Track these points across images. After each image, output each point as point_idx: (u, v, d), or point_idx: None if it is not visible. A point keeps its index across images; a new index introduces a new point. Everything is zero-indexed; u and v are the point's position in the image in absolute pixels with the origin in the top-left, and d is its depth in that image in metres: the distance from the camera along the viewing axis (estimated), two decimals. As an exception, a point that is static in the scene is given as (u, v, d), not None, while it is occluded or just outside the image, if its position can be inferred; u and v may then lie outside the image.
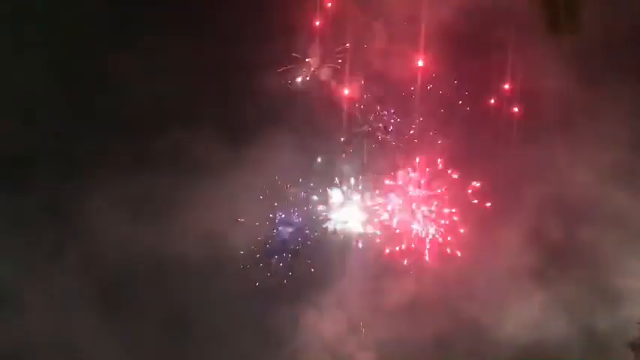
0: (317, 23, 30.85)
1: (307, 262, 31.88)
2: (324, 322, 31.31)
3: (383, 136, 31.95)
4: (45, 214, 29.53)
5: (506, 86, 31.37)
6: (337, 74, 31.63)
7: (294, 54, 31.08)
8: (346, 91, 31.58)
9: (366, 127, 31.98)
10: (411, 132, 32.05)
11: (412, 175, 31.93)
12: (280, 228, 32.12)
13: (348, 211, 31.91)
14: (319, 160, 32.01)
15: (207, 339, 30.60)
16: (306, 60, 31.26)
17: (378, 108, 31.91)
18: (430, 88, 31.59)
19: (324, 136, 31.85)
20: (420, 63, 31.00)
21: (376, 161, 32.11)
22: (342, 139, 31.88)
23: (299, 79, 31.32)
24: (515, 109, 31.51)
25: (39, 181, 29.53)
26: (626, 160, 30.48)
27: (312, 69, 31.43)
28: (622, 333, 29.69)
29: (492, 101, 31.75)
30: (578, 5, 17.73)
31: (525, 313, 30.88)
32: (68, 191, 29.63)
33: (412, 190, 31.84)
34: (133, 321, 29.66)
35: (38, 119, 30.00)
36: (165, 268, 30.00)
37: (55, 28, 29.25)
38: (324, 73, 31.43)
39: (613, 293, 30.51)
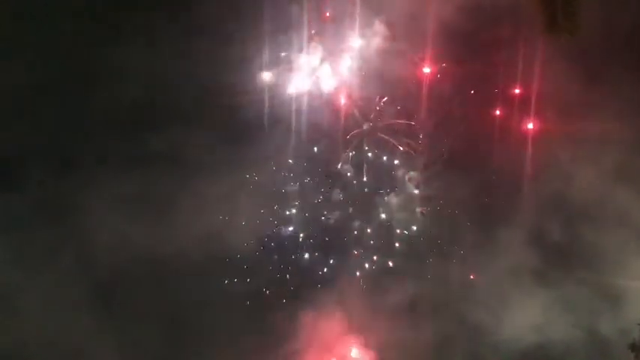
0: (313, 32, 30.78)
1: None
2: (323, 322, 31.29)
3: (383, 135, 31.89)
4: (40, 214, 29.51)
5: (511, 87, 31.14)
6: (337, 73, 31.60)
7: (293, 53, 31.04)
8: (342, 100, 31.53)
9: (366, 126, 31.88)
10: (414, 131, 32.02)
11: (412, 173, 31.86)
12: (280, 227, 32.18)
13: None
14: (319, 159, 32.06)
15: (205, 339, 30.52)
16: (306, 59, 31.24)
17: (380, 105, 31.79)
18: (432, 88, 31.44)
19: (324, 135, 31.85)
20: (427, 70, 30.97)
21: (376, 160, 32.05)
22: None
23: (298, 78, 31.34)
24: (522, 115, 31.28)
25: (35, 181, 29.49)
26: (631, 160, 30.16)
27: (313, 68, 31.42)
28: (625, 334, 29.35)
29: (495, 101, 31.49)
30: (576, 5, 17.40)
31: (527, 315, 30.61)
32: (64, 191, 29.53)
33: (412, 189, 31.84)
34: (130, 321, 29.57)
35: (32, 118, 29.98)
36: (163, 268, 29.88)
37: (50, 26, 29.18)
38: (324, 73, 31.38)
39: (616, 294, 30.22)
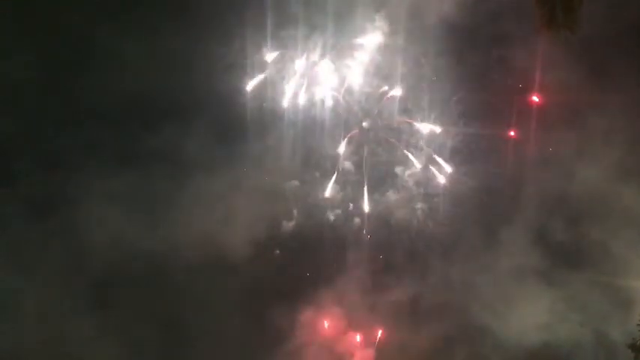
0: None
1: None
2: (323, 320, 31.21)
3: (384, 132, 31.79)
4: (33, 211, 29.49)
5: (513, 84, 30.90)
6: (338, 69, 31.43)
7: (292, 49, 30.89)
8: (343, 97, 31.46)
9: (367, 123, 31.77)
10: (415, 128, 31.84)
11: (412, 171, 31.71)
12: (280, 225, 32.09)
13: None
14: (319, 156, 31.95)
15: (204, 338, 30.49)
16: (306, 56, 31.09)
17: (381, 102, 31.66)
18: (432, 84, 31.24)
19: (324, 133, 31.68)
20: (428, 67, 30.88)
21: (376, 157, 31.93)
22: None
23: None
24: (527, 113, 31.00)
25: (27, 178, 29.44)
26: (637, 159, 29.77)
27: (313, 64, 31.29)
28: (630, 335, 29.01)
29: (497, 98, 31.25)
30: (576, 1, 17.14)
31: (532, 315, 30.33)
32: (57, 188, 29.51)
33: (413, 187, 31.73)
34: (128, 320, 29.50)
35: (25, 113, 29.95)
36: (162, 268, 29.81)
37: (42, 18, 29.09)
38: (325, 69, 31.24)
39: (622, 295, 29.88)
